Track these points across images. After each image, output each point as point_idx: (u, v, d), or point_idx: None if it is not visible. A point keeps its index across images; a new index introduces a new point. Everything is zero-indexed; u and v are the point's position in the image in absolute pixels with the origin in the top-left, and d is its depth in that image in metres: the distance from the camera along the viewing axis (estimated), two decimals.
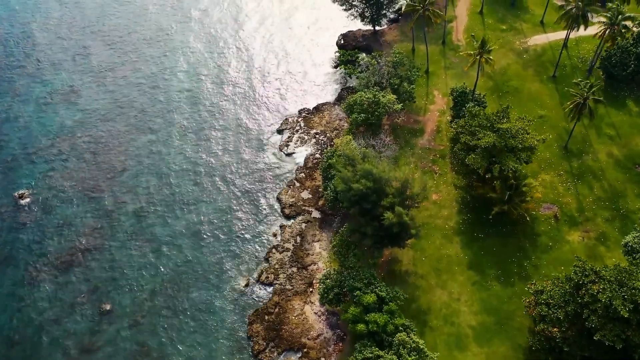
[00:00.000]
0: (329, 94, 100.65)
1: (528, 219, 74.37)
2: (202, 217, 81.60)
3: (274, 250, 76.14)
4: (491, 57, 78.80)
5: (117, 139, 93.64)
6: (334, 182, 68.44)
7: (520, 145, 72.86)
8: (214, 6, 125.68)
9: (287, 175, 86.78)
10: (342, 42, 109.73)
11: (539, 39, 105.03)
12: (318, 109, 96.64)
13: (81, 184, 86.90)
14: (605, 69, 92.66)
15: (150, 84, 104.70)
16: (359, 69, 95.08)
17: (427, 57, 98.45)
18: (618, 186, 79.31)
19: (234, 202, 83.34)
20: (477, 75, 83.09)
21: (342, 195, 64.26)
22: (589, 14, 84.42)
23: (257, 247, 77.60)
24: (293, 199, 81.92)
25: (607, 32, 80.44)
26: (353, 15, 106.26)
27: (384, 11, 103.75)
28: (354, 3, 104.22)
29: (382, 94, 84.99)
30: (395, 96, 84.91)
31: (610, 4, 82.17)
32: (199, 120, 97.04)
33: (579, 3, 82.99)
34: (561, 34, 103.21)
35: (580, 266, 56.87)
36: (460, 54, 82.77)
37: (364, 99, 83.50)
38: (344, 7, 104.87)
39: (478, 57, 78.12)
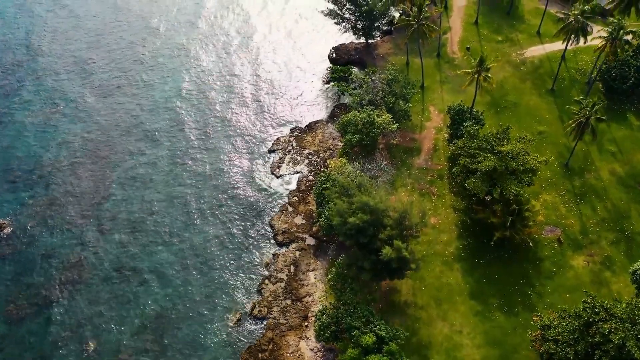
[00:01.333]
0: (321, 111, 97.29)
1: (531, 244, 71.57)
2: (190, 247, 77.97)
3: (266, 282, 72.74)
4: (489, 75, 75.80)
5: (102, 164, 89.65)
6: (329, 213, 65.11)
7: (521, 168, 70.09)
8: (200, 21, 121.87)
9: (280, 199, 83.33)
10: (334, 55, 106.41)
11: (536, 50, 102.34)
12: (310, 127, 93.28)
13: (64, 212, 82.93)
14: (605, 82, 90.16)
15: (133, 104, 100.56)
16: (352, 86, 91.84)
17: (422, 71, 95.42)
18: (622, 206, 76.67)
19: (224, 229, 79.75)
20: (475, 93, 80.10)
21: (338, 228, 60.98)
22: (589, 27, 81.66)
23: (249, 278, 74.11)
24: (286, 225, 78.51)
25: (607, 47, 77.62)
26: (345, 28, 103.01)
27: (377, 24, 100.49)
28: (345, 16, 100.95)
29: (377, 113, 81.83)
30: (390, 115, 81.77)
31: (611, 18, 79.46)
32: (186, 142, 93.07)
33: (579, 17, 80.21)
34: (558, 45, 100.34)
35: (590, 302, 54.01)
36: (458, 72, 79.71)
37: (358, 118, 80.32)
38: (336, 21, 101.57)
39: (476, 76, 75.02)
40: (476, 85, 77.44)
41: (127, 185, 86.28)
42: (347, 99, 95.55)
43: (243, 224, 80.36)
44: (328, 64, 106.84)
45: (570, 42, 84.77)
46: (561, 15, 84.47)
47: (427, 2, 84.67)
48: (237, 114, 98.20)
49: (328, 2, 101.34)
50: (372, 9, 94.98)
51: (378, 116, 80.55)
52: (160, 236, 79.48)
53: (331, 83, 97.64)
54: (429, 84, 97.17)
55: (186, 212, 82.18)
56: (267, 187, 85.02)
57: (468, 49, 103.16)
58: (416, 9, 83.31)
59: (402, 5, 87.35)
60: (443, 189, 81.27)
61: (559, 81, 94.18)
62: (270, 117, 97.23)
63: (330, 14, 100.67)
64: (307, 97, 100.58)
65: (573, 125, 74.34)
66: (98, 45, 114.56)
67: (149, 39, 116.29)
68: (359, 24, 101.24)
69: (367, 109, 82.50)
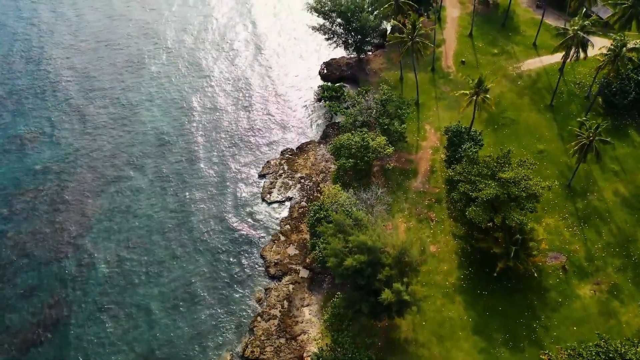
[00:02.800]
0: (313, 131, 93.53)
1: (535, 273, 68.38)
2: (177, 281, 73.87)
3: (259, 319, 68.90)
4: (488, 96, 72.52)
5: (82, 194, 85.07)
6: (325, 253, 61.43)
7: (524, 194, 66.89)
8: (186, 36, 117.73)
9: (271, 227, 79.48)
10: (325, 71, 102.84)
11: (533, 63, 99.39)
12: (302, 149, 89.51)
13: (43, 246, 78.50)
14: (605, 96, 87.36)
15: (117, 129, 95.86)
16: (345, 105, 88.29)
17: (416, 87, 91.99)
18: (627, 230, 73.76)
19: (213, 261, 75.78)
20: (473, 115, 76.80)
21: (334, 269, 57.33)
22: (589, 42, 78.63)
23: (240, 315, 70.20)
24: (278, 256, 74.74)
25: (609, 65, 74.60)
26: (336, 42, 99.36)
27: (369, 39, 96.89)
28: (336, 31, 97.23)
29: (371, 135, 78.33)
30: (385, 138, 78.27)
31: (613, 35, 76.48)
32: (172, 168, 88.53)
33: (579, 32, 77.19)
34: (555, 57, 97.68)
35: (603, 346, 50.89)
36: (456, 94, 76.36)
37: (352, 142, 76.74)
38: (326, 36, 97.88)
39: (474, 98, 71.70)
40: (474, 107, 74.10)
41: (109, 215, 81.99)
42: (339, 118, 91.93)
43: (233, 255, 76.43)
44: (319, 79, 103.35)
45: (569, 57, 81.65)
46: (560, 30, 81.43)
47: (422, 19, 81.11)
48: (224, 136, 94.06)
49: (318, 16, 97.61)
50: (364, 25, 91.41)
51: (372, 139, 77.04)
52: (145, 270, 75.35)
53: (323, 102, 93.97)
54: (424, 100, 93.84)
55: (172, 243, 78.08)
56: (258, 215, 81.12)
57: (463, 62, 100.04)
58: (410, 26, 79.91)
59: (395, 22, 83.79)
60: (442, 213, 77.90)
61: (557, 96, 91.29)
62: (259, 138, 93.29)
63: (321, 29, 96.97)
64: (298, 116, 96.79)
65: (576, 147, 71.26)
66: (71, 65, 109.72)
67: (132, 62, 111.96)
68: (350, 39, 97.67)
69: (360, 132, 78.97)
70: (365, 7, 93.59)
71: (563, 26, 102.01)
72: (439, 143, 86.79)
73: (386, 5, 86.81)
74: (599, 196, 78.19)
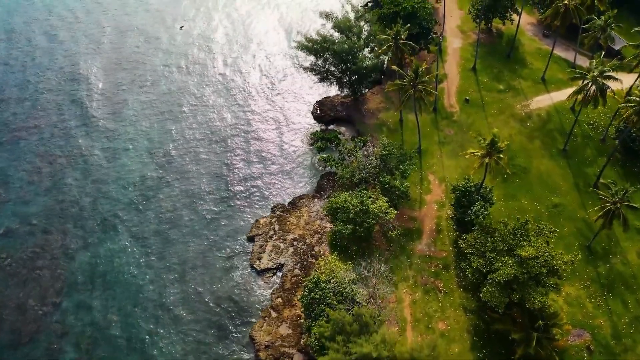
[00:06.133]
0: (306, 183, 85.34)
1: (557, 358, 60.83)
2: None
3: None
4: (502, 156, 64.92)
5: (52, 258, 76.54)
6: None
7: (544, 269, 59.45)
8: (161, 79, 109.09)
9: (261, 300, 71.40)
10: (318, 111, 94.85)
11: (542, 101, 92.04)
12: (294, 204, 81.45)
13: (6, 327, 69.93)
14: (624, 142, 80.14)
15: (89, 184, 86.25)
16: (341, 155, 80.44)
17: (418, 133, 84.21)
18: None
19: (195, 343, 67.36)
20: (484, 175, 69.13)
21: None
22: (609, 89, 71.21)
23: None
24: (269, 337, 66.75)
25: (633, 114, 67.28)
26: (330, 81, 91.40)
27: (366, 80, 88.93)
28: (330, 70, 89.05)
29: (371, 196, 70.53)
30: (385, 199, 70.46)
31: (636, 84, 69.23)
32: (149, 230, 79.17)
33: (598, 78, 69.74)
34: (566, 93, 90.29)
35: None
36: (466, 156, 68.70)
37: (350, 205, 68.92)
38: (319, 77, 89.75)
39: (486, 159, 64.07)
40: (485, 170, 66.49)
41: (80, 288, 73.46)
42: (334, 167, 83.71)
43: (218, 335, 68.22)
44: (311, 118, 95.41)
45: (586, 104, 74.21)
46: (576, 74, 73.95)
47: (425, 66, 73.44)
48: (208, 190, 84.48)
49: (309, 55, 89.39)
50: (360, 68, 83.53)
51: (373, 202, 69.22)
52: (119, 354, 67.00)
53: (315, 149, 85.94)
54: (426, 146, 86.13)
55: (149, 320, 69.66)
56: (246, 285, 72.99)
57: (467, 100, 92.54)
58: (412, 73, 72.13)
59: (395, 68, 75.97)
60: (450, 282, 70.27)
61: (571, 139, 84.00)
62: (247, 192, 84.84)
63: (313, 70, 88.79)
64: (289, 164, 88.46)
65: (600, 213, 63.90)
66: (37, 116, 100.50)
67: (107, 102, 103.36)
68: (345, 78, 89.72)
69: (359, 192, 71.15)
70: (362, 44, 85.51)
71: (573, 61, 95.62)
72: (444, 196, 79.18)
73: (384, 47, 78.91)
74: (623, 259, 71.00)
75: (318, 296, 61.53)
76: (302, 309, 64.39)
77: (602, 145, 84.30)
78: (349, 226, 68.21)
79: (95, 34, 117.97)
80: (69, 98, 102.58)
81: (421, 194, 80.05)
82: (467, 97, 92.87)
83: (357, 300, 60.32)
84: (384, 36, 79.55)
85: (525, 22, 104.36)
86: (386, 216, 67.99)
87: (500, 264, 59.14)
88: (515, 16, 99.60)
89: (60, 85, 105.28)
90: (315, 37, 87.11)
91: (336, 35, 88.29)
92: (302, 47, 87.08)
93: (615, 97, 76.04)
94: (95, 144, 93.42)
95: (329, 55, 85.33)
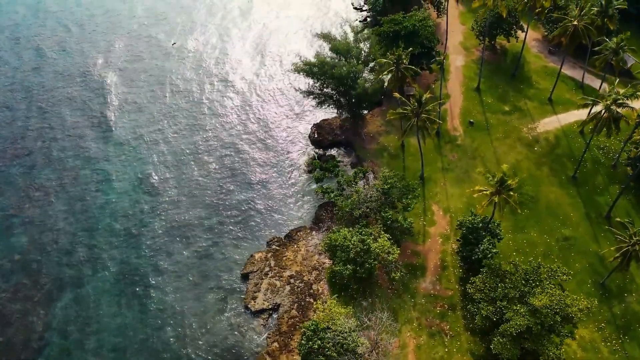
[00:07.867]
0: (303, 214, 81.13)
1: None
2: None
3: None
4: (512, 193, 60.95)
5: (32, 299, 72.19)
6: None
7: (558, 317, 55.59)
8: (150, 100, 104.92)
9: (256, 345, 67.26)
10: (315, 135, 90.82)
11: (550, 123, 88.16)
12: (291, 237, 77.32)
13: None
14: (636, 168, 76.24)
15: (72, 216, 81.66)
16: (340, 186, 76.38)
17: (421, 159, 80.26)
18: None
19: None
20: (493, 213, 65.11)
21: None
22: (624, 118, 67.40)
23: None
24: None
25: None
26: (327, 104, 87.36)
27: (366, 104, 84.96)
28: (327, 93, 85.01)
29: (372, 234, 66.49)
30: (388, 236, 66.41)
31: None
32: (136, 268, 74.74)
33: (612, 107, 65.87)
34: (574, 115, 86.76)
35: None
36: (475, 195, 64.60)
37: (350, 244, 64.87)
38: (317, 101, 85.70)
39: (495, 198, 60.08)
40: (494, 208, 62.51)
41: (65, 330, 69.15)
42: (333, 199, 79.52)
43: None
44: (309, 143, 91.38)
45: (598, 132, 70.39)
46: (588, 102, 70.11)
47: (428, 95, 69.53)
48: (199, 223, 79.82)
49: (306, 77, 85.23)
50: (360, 93, 79.50)
51: (375, 240, 65.21)
52: None
53: (314, 182, 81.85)
54: (429, 173, 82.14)
55: None
56: (240, 328, 68.72)
57: (471, 123, 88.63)
58: (415, 102, 68.15)
59: (397, 95, 71.92)
60: (457, 324, 66.23)
61: (581, 166, 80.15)
62: (241, 223, 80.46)
63: (311, 93, 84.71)
64: (285, 193, 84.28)
65: (617, 255, 60.03)
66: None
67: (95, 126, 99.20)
68: (343, 101, 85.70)
69: (359, 229, 67.12)
70: (361, 67, 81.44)
71: (582, 80, 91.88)
72: (449, 228, 75.22)
73: (385, 72, 74.87)
74: (639, 297, 67.13)
75: (317, 346, 57.48)
76: (298, 349, 60.30)
77: (614, 171, 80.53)
78: (349, 266, 64.18)
79: (83, 53, 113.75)
80: (55, 122, 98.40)
81: (424, 226, 76.05)
82: (471, 120, 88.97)
83: (359, 352, 56.30)
84: (385, 60, 75.53)
85: (530, 37, 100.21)
86: (389, 256, 63.91)
87: (512, 313, 55.23)
88: (520, 33, 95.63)
89: (44, 109, 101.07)
90: (313, 60, 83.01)
91: (335, 56, 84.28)
92: (299, 69, 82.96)
93: (628, 121, 72.27)
94: (83, 171, 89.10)
95: (327, 78, 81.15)
